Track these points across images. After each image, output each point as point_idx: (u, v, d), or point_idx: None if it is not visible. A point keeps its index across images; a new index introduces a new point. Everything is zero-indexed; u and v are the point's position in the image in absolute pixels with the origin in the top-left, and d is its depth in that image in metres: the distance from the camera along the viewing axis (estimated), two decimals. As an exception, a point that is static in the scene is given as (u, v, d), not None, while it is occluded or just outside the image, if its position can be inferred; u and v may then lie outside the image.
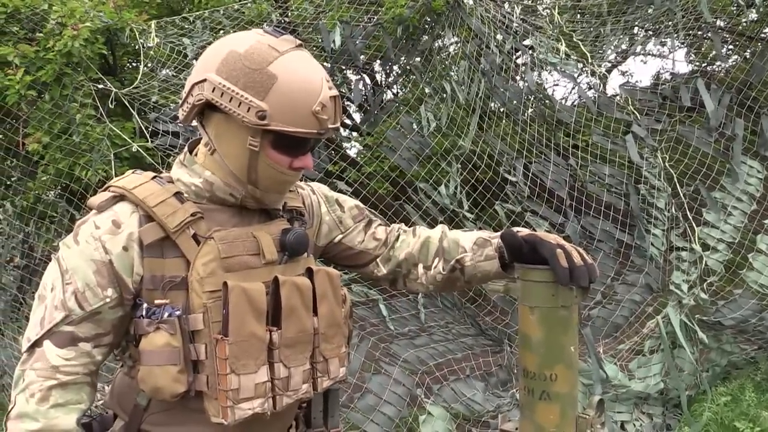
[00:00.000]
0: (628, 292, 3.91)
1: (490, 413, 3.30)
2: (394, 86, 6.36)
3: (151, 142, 4.15)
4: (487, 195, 3.94)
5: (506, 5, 5.40)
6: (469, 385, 3.41)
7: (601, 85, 5.50)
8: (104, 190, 1.30)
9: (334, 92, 1.25)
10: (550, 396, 1.22)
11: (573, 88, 7.14)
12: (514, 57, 5.26)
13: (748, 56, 5.78)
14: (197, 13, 5.06)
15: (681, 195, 4.34)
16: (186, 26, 4.87)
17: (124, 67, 5.76)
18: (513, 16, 5.31)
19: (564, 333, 1.22)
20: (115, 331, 1.25)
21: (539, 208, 4.07)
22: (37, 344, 1.20)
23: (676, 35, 5.49)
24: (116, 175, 4.20)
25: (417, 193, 3.82)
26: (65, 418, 1.19)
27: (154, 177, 1.30)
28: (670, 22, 5.41)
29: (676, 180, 4.39)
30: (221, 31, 4.92)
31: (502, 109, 4.77)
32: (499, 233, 1.41)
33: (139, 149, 4.12)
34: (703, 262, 4.19)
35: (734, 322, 4.22)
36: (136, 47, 5.58)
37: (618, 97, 5.10)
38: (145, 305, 1.21)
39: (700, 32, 5.79)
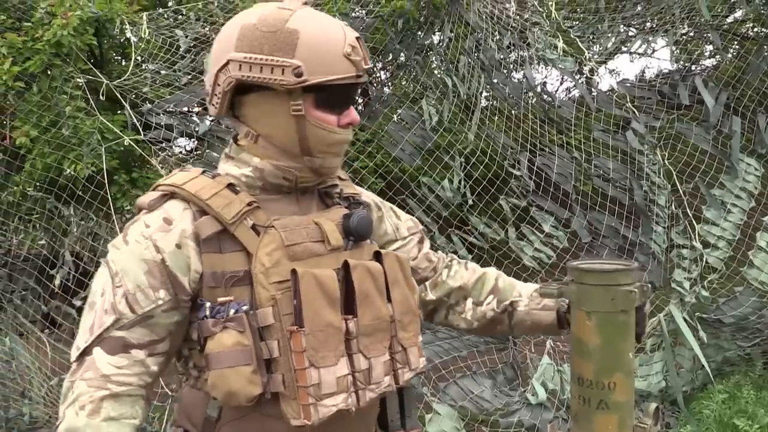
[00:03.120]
0: (633, 290, 3.86)
1: (500, 411, 3.25)
2: (391, 80, 6.31)
3: (144, 135, 4.03)
4: (492, 189, 3.89)
5: (506, 3, 5.37)
6: (477, 383, 3.36)
7: (599, 81, 5.49)
8: (153, 190, 1.23)
9: (356, 33, 1.20)
10: (608, 405, 1.15)
11: (561, 83, 7.17)
12: (512, 52, 5.22)
13: (737, 55, 5.81)
14: (190, 4, 4.95)
15: (681, 192, 4.33)
16: (179, 17, 4.76)
17: (111, 60, 5.64)
18: (510, 11, 5.29)
19: (623, 339, 1.16)
20: (171, 338, 1.16)
21: (544, 202, 4.03)
22: (86, 352, 1.11)
23: (672, 33, 5.49)
24: (107, 169, 4.16)
25: (420, 188, 3.76)
26: None
27: (203, 172, 1.23)
28: (667, 20, 5.42)
29: (675, 177, 4.38)
30: (215, 23, 4.83)
31: (503, 104, 4.73)
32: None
33: (131, 143, 4.00)
34: (704, 260, 4.19)
35: (734, 319, 4.22)
36: (124, 39, 5.46)
37: (615, 94, 5.09)
38: (208, 304, 1.12)
39: (693, 30, 5.81)
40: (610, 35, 5.83)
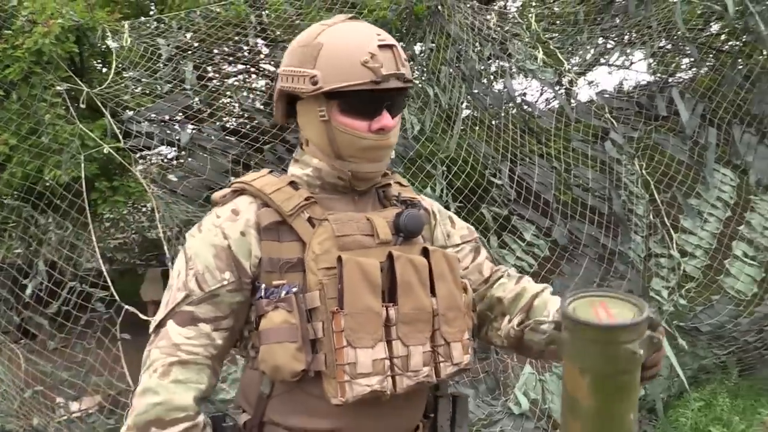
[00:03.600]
0: (613, 298, 3.91)
1: (482, 421, 3.25)
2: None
3: (124, 143, 4.00)
4: (473, 198, 3.92)
5: (486, 15, 5.43)
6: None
7: (578, 93, 5.56)
8: (228, 187, 1.37)
9: (389, 41, 1.25)
10: None
11: (541, 94, 7.26)
12: (493, 63, 5.27)
13: (713, 67, 5.93)
14: (172, 13, 4.94)
15: (658, 202, 4.40)
16: (161, 26, 4.75)
17: (91, 68, 5.59)
18: (491, 23, 5.35)
19: (623, 400, 0.97)
20: (234, 316, 1.27)
21: (526, 211, 4.07)
22: (161, 324, 1.24)
23: (650, 45, 5.59)
24: (86, 176, 4.11)
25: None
26: (183, 395, 1.20)
27: (270, 171, 1.36)
28: (645, 33, 5.51)
29: (653, 187, 4.44)
30: (197, 32, 4.82)
31: (483, 114, 4.77)
32: None
33: (111, 150, 3.97)
34: (682, 269, 4.25)
35: (711, 328, 4.28)
36: (105, 48, 5.43)
37: (594, 105, 5.16)
38: (263, 286, 1.24)
39: (670, 43, 5.92)
40: (588, 47, 5.92)
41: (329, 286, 1.19)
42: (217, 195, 1.35)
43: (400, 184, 1.43)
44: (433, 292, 1.27)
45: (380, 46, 1.22)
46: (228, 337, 1.27)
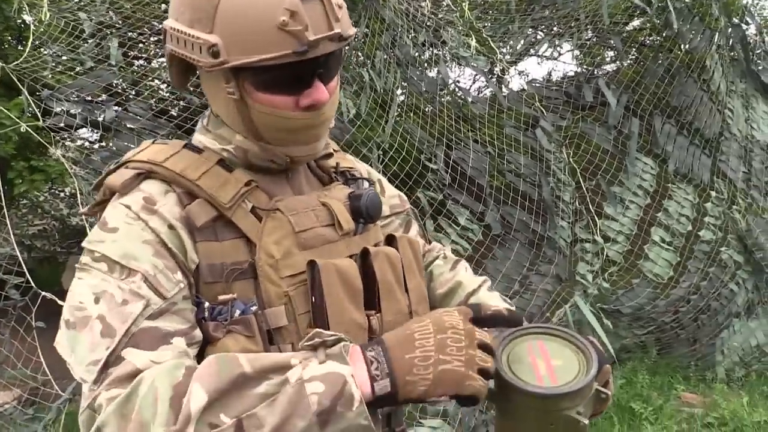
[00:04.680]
0: (542, 282, 4.04)
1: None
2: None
3: (43, 121, 3.78)
4: (409, 182, 3.93)
5: (421, 1, 5.43)
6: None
7: (510, 81, 5.67)
8: (120, 166, 1.02)
9: None
10: None
11: (474, 82, 7.36)
12: (427, 50, 5.30)
13: (636, 60, 6.17)
14: (95, -15, 4.69)
15: (584, 189, 4.55)
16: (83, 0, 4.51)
17: (6, 43, 5.28)
18: (425, 10, 5.36)
19: None
20: (197, 326, 0.95)
21: (460, 196, 4.12)
22: (110, 363, 0.84)
23: (577, 37, 5.75)
24: (2, 157, 3.87)
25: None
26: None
27: (186, 145, 1.04)
28: (573, 25, 5.66)
29: (579, 174, 4.59)
30: (120, 8, 4.60)
31: (418, 100, 4.79)
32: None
33: (29, 129, 3.75)
34: (605, 253, 4.42)
35: (631, 309, 4.49)
36: (21, 22, 5.12)
37: (524, 93, 5.27)
38: (206, 304, 0.94)
39: (596, 36, 6.10)
40: (519, 37, 6.03)
41: (297, 298, 0.96)
42: (115, 180, 0.99)
43: (333, 150, 1.20)
44: (405, 287, 1.09)
45: None
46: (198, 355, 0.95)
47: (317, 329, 0.86)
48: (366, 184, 1.18)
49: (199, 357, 0.91)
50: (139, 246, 0.91)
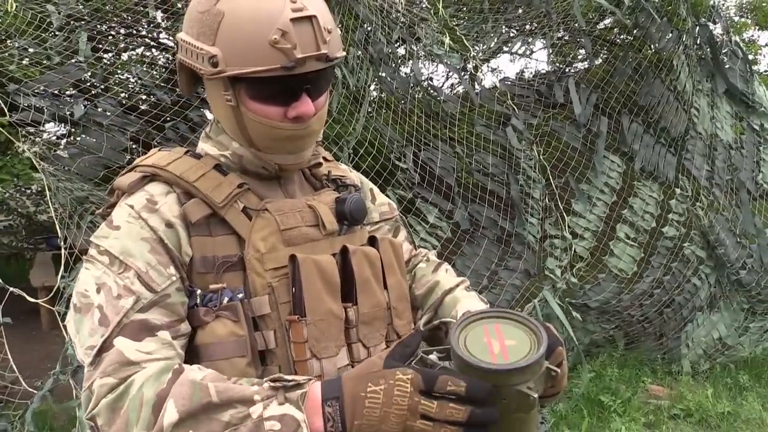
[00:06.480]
0: (510, 277, 4.11)
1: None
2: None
3: (10, 116, 3.73)
4: (379, 180, 3.96)
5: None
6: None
7: (483, 79, 5.72)
8: (130, 170, 1.14)
9: (304, 12, 1.02)
10: None
11: (447, 79, 7.41)
12: (400, 47, 5.32)
13: (606, 59, 6.27)
14: (63, -22, 4.62)
15: (553, 186, 4.63)
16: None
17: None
18: (399, 6, 5.38)
19: None
20: (186, 321, 1.06)
21: (429, 194, 4.17)
22: (104, 348, 0.97)
23: (549, 36, 5.82)
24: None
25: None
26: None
27: (187, 152, 1.16)
28: (545, 24, 5.72)
29: (549, 172, 4.67)
30: (89, 0, 4.54)
31: (390, 97, 4.81)
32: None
33: (-5, 125, 3.69)
34: (573, 249, 4.51)
35: (598, 303, 4.59)
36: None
37: (497, 91, 5.33)
38: (199, 292, 1.06)
39: (568, 35, 6.19)
40: (493, 35, 6.08)
41: (279, 289, 1.06)
42: (123, 182, 1.12)
43: (326, 159, 1.30)
44: (384, 285, 1.19)
45: (295, 20, 1.01)
46: (185, 347, 1.05)
47: (279, 374, 0.96)
48: (353, 190, 1.28)
49: (191, 341, 1.05)
50: (137, 243, 1.04)
